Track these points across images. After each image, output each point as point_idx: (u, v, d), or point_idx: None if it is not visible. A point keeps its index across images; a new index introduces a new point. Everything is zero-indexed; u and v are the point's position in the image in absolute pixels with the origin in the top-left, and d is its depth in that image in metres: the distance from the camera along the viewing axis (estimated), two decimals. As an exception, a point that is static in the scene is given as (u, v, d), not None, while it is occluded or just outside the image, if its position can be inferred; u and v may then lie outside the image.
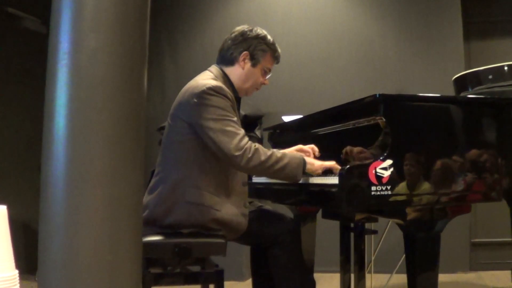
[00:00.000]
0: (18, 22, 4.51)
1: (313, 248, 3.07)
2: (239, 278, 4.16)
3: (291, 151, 2.39)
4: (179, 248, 2.15)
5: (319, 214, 3.07)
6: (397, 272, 3.39)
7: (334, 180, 2.01)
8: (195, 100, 2.17)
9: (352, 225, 2.93)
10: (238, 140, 2.13)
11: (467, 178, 2.03)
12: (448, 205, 2.02)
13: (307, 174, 2.25)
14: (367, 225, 2.91)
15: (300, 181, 2.28)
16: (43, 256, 1.50)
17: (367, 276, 2.98)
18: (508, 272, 4.23)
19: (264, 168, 2.16)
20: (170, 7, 5.20)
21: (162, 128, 2.42)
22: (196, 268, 2.27)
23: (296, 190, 2.42)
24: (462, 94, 3.03)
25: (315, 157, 2.39)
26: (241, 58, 2.33)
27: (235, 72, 2.35)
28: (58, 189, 1.48)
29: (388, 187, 1.90)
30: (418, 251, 2.00)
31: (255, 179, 2.89)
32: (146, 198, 2.27)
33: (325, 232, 3.45)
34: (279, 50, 2.41)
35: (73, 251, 1.46)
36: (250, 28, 2.36)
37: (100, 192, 1.49)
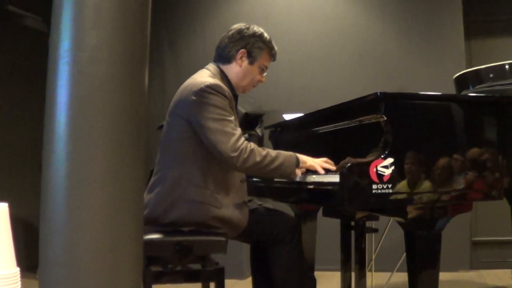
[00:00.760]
0: (19, 20, 4.51)
1: (314, 246, 3.07)
2: (240, 276, 4.16)
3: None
4: (179, 246, 2.15)
5: (319, 213, 3.07)
6: (398, 271, 3.38)
7: (335, 178, 2.00)
8: (194, 98, 2.18)
9: (353, 223, 2.93)
10: (234, 141, 2.15)
11: (468, 176, 2.03)
12: (449, 204, 2.02)
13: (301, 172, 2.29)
14: (367, 223, 2.91)
15: (301, 180, 2.29)
16: (44, 254, 1.50)
17: (368, 274, 2.98)
18: (509, 270, 4.23)
19: (259, 168, 2.19)
20: (171, 5, 5.19)
21: (162, 126, 2.42)
22: (196, 266, 2.27)
23: (297, 188, 2.42)
24: (463, 93, 3.03)
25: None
26: (238, 56, 2.35)
27: (233, 70, 2.37)
28: (59, 187, 1.48)
29: (389, 185, 1.90)
30: (419, 250, 2.00)
31: (256, 177, 2.89)
32: (146, 197, 2.27)
33: (326, 231, 3.45)
34: (276, 47, 2.42)
35: (74, 249, 1.46)
36: (247, 26, 2.38)
37: (100, 190, 1.49)
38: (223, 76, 2.36)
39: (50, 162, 1.50)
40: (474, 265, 4.60)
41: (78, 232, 1.47)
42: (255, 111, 4.59)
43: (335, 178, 2.00)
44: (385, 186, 1.89)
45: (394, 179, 1.91)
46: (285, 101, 4.83)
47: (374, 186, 1.89)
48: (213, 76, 2.31)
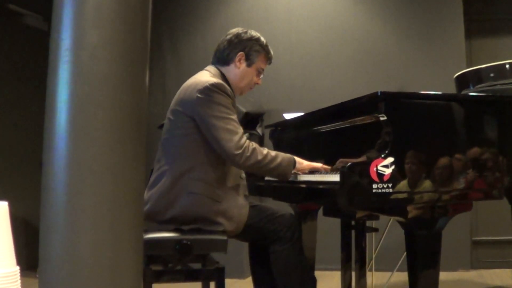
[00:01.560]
0: (19, 19, 4.52)
1: (314, 245, 3.07)
2: (240, 275, 4.16)
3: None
4: (180, 245, 2.16)
5: (320, 212, 3.07)
6: (398, 270, 3.38)
7: (336, 177, 2.01)
8: (199, 95, 2.25)
9: (353, 223, 2.93)
10: (238, 138, 2.23)
11: (468, 176, 2.03)
12: (449, 203, 2.02)
13: (295, 172, 2.39)
14: (368, 223, 2.91)
15: (302, 179, 2.31)
16: (44, 252, 1.50)
17: (368, 274, 2.98)
18: (509, 270, 4.24)
19: (260, 166, 2.27)
20: (172, 3, 5.20)
21: (163, 125, 2.44)
22: (197, 265, 2.27)
23: (297, 187, 2.43)
24: (463, 92, 3.03)
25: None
26: (237, 58, 2.44)
27: (231, 72, 2.46)
28: (59, 186, 1.48)
29: (390, 185, 1.90)
30: (419, 249, 2.00)
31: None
32: (147, 194, 2.31)
33: (326, 230, 3.45)
34: (272, 52, 2.53)
35: (74, 247, 1.46)
36: (245, 30, 2.47)
37: (101, 189, 1.49)
38: (223, 77, 2.43)
39: (50, 161, 1.50)
40: (474, 265, 4.60)
41: (78, 231, 1.47)
42: (255, 110, 4.59)
43: (336, 178, 2.00)
44: (385, 186, 1.89)
45: (394, 178, 1.91)
46: (285, 100, 4.83)
47: (374, 186, 1.89)
48: (214, 76, 2.38)
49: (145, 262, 2.12)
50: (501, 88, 2.66)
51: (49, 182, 1.50)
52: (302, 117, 2.87)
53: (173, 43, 5.23)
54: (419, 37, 4.78)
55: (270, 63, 2.56)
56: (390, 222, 3.26)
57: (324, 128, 2.62)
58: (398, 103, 2.02)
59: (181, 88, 2.39)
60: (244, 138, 2.27)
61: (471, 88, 3.02)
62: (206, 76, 2.36)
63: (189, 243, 2.17)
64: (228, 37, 2.47)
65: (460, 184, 2.01)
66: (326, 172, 2.31)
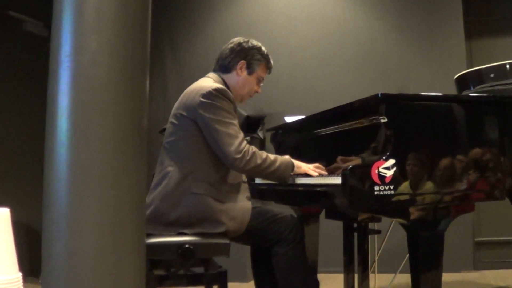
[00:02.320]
0: (20, 26, 4.52)
1: (317, 248, 3.07)
2: (243, 279, 4.16)
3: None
4: (182, 249, 2.16)
5: (322, 215, 3.07)
6: (401, 272, 3.38)
7: (337, 180, 2.00)
8: (202, 100, 2.30)
9: (355, 225, 2.92)
10: (238, 143, 2.28)
11: (470, 177, 2.03)
12: (452, 204, 2.02)
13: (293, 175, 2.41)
14: (370, 225, 2.90)
15: (303, 182, 2.31)
16: (47, 258, 1.50)
17: (371, 276, 2.98)
18: (512, 271, 4.23)
19: (260, 170, 2.33)
20: (172, 8, 5.20)
21: (164, 130, 2.46)
22: (199, 270, 2.27)
23: (299, 190, 2.43)
24: (464, 93, 3.03)
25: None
26: (238, 66, 2.50)
27: (233, 79, 2.52)
28: (61, 192, 1.48)
29: (391, 187, 1.90)
30: (422, 251, 2.00)
31: (257, 180, 2.89)
32: (150, 196, 2.34)
33: (329, 233, 3.45)
34: (272, 61, 2.60)
35: (77, 253, 1.46)
36: (246, 40, 2.55)
37: (103, 194, 1.49)
38: (224, 84, 2.48)
39: (52, 167, 1.50)
40: (477, 266, 4.59)
41: (80, 236, 1.47)
42: (256, 113, 4.59)
43: (337, 180, 2.00)
44: (387, 188, 1.89)
45: (396, 180, 1.90)
46: (286, 103, 4.83)
47: (376, 188, 1.89)
48: (216, 83, 2.42)
49: (147, 267, 2.12)
50: (502, 88, 2.66)
51: (50, 187, 1.50)
52: (303, 120, 2.87)
53: (173, 48, 5.23)
54: (419, 38, 4.78)
55: (270, 73, 2.62)
56: (392, 224, 3.26)
57: (325, 130, 2.62)
58: (398, 105, 2.02)
59: (184, 93, 2.44)
60: (244, 142, 2.31)
61: (472, 89, 3.02)
62: (209, 82, 2.42)
63: (191, 247, 2.17)
64: (230, 45, 2.53)
65: (462, 185, 2.01)
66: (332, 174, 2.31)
